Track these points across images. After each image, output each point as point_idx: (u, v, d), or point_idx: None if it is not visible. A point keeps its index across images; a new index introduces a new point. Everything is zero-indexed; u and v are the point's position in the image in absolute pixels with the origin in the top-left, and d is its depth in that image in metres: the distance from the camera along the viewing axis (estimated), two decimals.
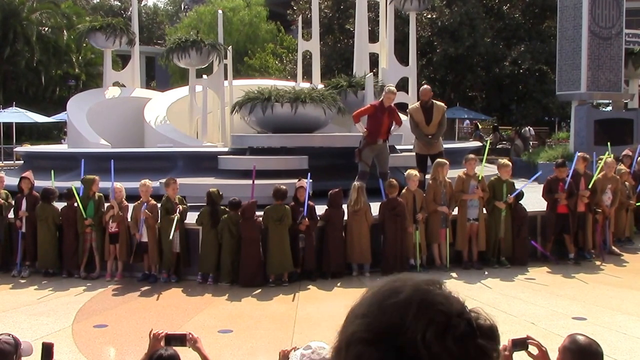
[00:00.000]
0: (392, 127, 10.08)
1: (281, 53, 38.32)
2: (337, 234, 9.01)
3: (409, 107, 10.96)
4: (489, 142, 10.88)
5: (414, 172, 9.51)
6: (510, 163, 9.98)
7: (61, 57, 37.93)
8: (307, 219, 8.72)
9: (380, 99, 10.07)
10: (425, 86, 11.01)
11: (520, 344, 3.24)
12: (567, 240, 9.76)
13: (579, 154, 10.25)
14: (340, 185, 9.32)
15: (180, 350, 3.39)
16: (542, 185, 10.18)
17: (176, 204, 8.87)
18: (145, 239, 8.93)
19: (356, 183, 9.18)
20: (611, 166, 10.54)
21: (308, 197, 8.80)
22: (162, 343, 3.39)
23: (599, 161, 10.28)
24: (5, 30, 35.88)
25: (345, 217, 9.14)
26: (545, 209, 9.99)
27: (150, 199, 9.04)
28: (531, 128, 29.29)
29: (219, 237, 8.68)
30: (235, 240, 8.60)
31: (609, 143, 11.38)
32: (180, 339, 3.44)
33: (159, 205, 8.99)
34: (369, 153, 9.95)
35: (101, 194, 9.32)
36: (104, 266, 9.14)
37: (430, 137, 10.47)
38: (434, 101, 10.73)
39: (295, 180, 9.17)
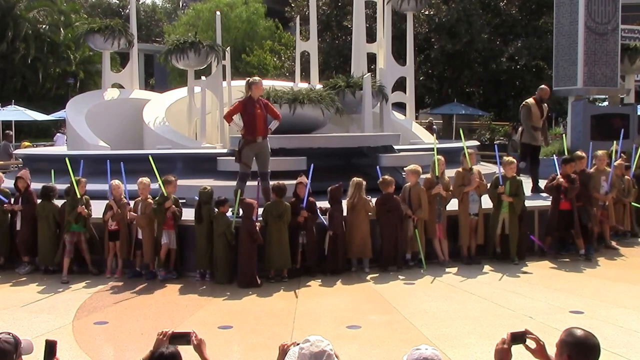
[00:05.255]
0: (272, 123, 9.42)
1: (279, 50, 38.32)
2: (337, 230, 9.03)
3: (527, 101, 12.22)
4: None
5: (415, 166, 9.52)
6: (514, 160, 9.86)
7: (59, 55, 37.91)
8: (305, 212, 8.73)
9: (249, 94, 9.37)
10: (545, 87, 12.33)
11: (519, 337, 3.29)
12: (574, 236, 9.73)
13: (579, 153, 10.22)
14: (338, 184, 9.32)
15: (181, 349, 3.42)
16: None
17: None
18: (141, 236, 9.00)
19: (354, 179, 9.19)
20: (602, 159, 10.59)
21: (308, 193, 8.83)
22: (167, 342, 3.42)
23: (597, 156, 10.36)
24: (2, 27, 35.85)
25: (345, 213, 9.15)
26: (539, 204, 10.05)
27: (148, 196, 9.06)
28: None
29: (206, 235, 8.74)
30: (225, 238, 8.61)
31: (614, 142, 11.41)
32: (185, 338, 3.48)
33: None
34: (249, 153, 9.25)
35: (88, 197, 9.33)
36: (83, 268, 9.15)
37: (539, 130, 11.99)
38: None
39: (294, 181, 9.14)
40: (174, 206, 8.82)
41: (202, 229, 8.76)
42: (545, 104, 12.17)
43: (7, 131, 23.48)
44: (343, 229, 9.07)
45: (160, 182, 8.96)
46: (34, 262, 9.39)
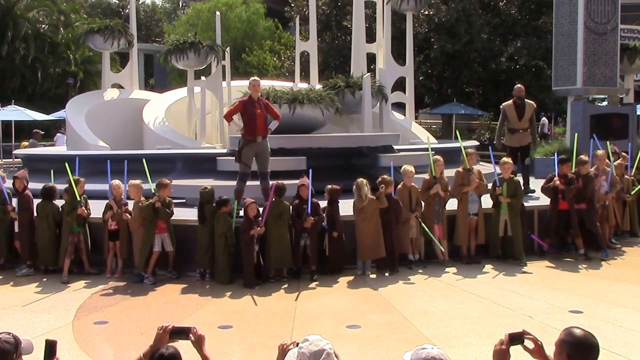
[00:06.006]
0: (271, 123, 9.42)
1: (279, 50, 38.34)
2: (338, 230, 9.00)
3: (503, 103, 12.15)
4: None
5: (410, 167, 9.53)
6: (510, 161, 9.92)
7: (59, 55, 37.89)
8: (311, 217, 8.68)
9: (248, 93, 9.45)
10: (519, 85, 12.13)
11: (517, 338, 3.29)
12: (573, 236, 9.75)
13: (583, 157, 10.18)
14: (338, 185, 9.31)
15: (182, 350, 3.42)
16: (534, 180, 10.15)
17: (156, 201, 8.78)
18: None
19: (358, 180, 9.15)
20: (602, 159, 10.59)
21: (311, 194, 8.81)
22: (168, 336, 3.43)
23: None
24: (2, 27, 35.84)
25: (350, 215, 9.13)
26: (539, 204, 10.03)
27: (142, 198, 8.98)
28: (545, 119, 28.86)
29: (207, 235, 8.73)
30: (225, 238, 8.60)
31: (607, 142, 11.42)
32: (186, 332, 3.48)
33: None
34: (249, 152, 9.24)
35: (86, 196, 9.34)
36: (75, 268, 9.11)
37: (521, 131, 11.80)
38: (525, 99, 11.92)
39: (293, 181, 9.10)
40: (159, 203, 8.72)
41: (204, 228, 8.75)
42: (532, 102, 11.98)
43: (35, 130, 23.58)
44: (342, 229, 9.07)
45: (149, 180, 8.97)
46: (35, 264, 9.34)
